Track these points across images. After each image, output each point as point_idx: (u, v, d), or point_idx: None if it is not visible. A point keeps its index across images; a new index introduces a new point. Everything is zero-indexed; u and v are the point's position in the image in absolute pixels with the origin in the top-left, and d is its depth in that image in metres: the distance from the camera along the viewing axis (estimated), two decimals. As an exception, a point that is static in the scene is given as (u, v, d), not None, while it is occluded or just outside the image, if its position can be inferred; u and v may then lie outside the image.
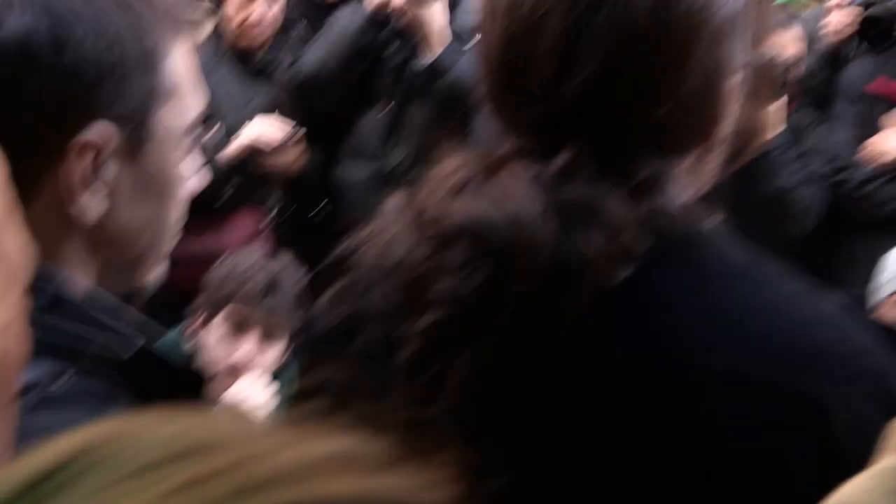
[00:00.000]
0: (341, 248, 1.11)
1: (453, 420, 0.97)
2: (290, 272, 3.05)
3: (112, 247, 1.12)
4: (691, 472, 0.96)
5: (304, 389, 1.12)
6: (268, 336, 3.00)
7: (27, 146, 1.05)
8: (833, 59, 4.14)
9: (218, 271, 3.05)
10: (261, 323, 2.97)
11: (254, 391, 2.89)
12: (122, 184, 1.10)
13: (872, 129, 4.02)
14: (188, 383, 1.13)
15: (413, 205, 1.04)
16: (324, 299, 1.10)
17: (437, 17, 3.89)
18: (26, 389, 0.93)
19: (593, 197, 0.97)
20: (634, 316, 0.99)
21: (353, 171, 4.15)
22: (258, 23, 4.03)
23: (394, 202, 1.08)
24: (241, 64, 4.07)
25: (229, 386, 2.91)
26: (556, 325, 0.97)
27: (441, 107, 3.93)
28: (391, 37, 3.96)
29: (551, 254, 0.95)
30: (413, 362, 0.98)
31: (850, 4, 4.08)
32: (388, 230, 1.05)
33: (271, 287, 2.98)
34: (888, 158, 3.93)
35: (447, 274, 0.97)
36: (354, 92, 4.09)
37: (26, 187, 1.05)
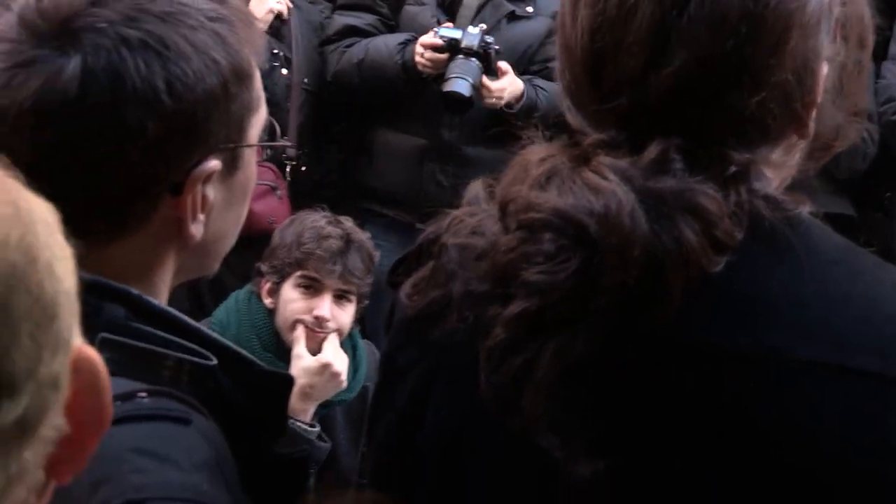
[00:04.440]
0: (424, 234, 1.11)
1: (541, 408, 0.97)
2: (359, 233, 3.06)
3: (199, 252, 1.13)
4: (787, 460, 0.96)
5: (390, 372, 1.14)
6: (342, 297, 3.02)
7: (141, 186, 1.06)
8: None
9: (285, 232, 3.05)
10: (336, 284, 2.99)
11: (337, 357, 2.92)
12: (218, 199, 1.11)
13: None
14: (276, 388, 1.12)
15: (497, 194, 1.03)
16: (409, 282, 1.10)
17: None
18: None
19: (686, 189, 0.96)
20: (730, 305, 0.98)
21: (393, 139, 4.05)
22: None
23: (475, 190, 1.08)
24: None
25: (309, 346, 2.94)
26: (650, 315, 0.96)
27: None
28: None
29: (644, 247, 0.95)
30: (501, 350, 0.98)
31: None
32: (472, 218, 1.05)
33: (345, 247, 2.99)
34: None
35: (536, 264, 0.97)
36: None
37: (134, 222, 1.06)
